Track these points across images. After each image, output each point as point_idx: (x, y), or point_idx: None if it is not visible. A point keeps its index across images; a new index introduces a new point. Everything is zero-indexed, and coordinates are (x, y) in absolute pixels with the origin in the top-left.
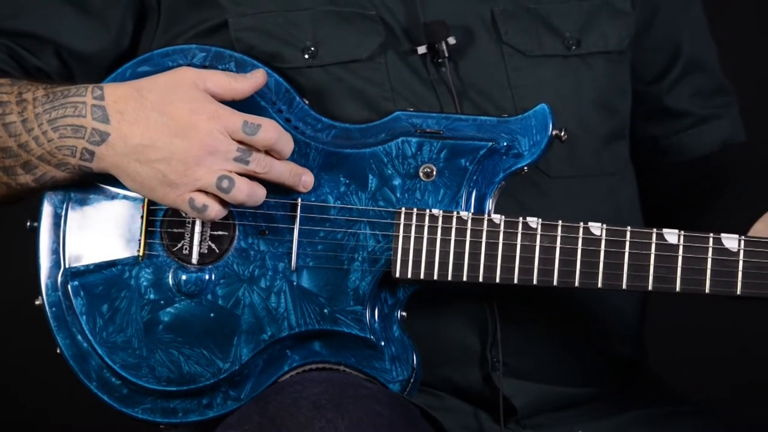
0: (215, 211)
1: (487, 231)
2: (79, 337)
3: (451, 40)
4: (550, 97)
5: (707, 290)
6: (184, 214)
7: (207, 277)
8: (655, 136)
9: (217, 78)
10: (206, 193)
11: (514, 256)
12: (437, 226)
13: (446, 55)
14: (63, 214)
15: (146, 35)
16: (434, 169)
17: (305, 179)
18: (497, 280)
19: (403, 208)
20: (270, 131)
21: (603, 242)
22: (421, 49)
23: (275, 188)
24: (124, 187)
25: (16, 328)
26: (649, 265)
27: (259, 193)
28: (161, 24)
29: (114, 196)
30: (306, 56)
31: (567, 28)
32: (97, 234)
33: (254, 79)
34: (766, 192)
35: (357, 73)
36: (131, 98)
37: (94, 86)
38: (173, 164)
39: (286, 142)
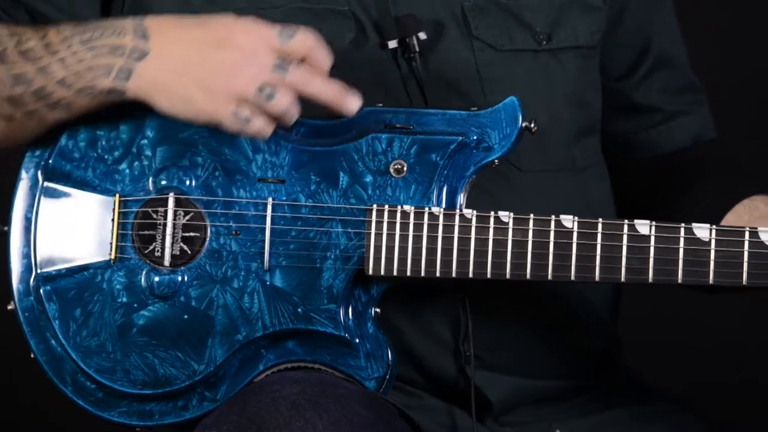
0: (258, 124)
1: (459, 226)
2: (53, 341)
3: (422, 35)
4: (521, 91)
5: (680, 280)
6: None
7: (180, 278)
8: (624, 133)
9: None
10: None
11: (487, 251)
12: (409, 223)
13: (417, 49)
14: (33, 218)
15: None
16: (405, 165)
17: (350, 99)
18: (470, 275)
19: (375, 205)
20: (307, 36)
21: (575, 235)
22: (392, 44)
23: (249, 186)
24: (94, 190)
25: (12, 330)
26: (621, 257)
27: (294, 111)
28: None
29: (84, 200)
30: None
31: (538, 23)
32: (68, 238)
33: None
34: (737, 185)
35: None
36: (170, 19)
37: (131, 16)
38: (212, 74)
39: (323, 52)
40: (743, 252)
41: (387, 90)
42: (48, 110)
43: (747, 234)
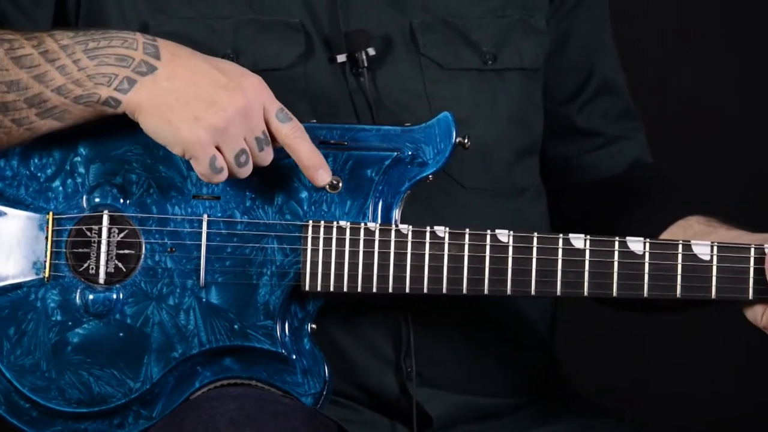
0: (223, 178)
1: (395, 241)
2: None
3: (371, 51)
4: (466, 109)
5: (615, 293)
6: (93, 234)
7: (115, 296)
8: (565, 156)
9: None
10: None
11: (423, 266)
12: (345, 238)
13: (365, 64)
14: None
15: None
16: (340, 180)
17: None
18: (407, 290)
19: (310, 221)
20: (297, 127)
21: (510, 249)
22: (341, 58)
23: (184, 203)
24: (26, 208)
25: None
26: (557, 270)
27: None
28: (80, 26)
29: (17, 218)
30: None
31: (484, 43)
32: (1, 256)
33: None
34: (672, 206)
35: (276, 82)
36: (186, 48)
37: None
38: (209, 112)
39: (308, 147)
40: (677, 265)
41: (335, 104)
42: (39, 118)
43: (680, 247)
